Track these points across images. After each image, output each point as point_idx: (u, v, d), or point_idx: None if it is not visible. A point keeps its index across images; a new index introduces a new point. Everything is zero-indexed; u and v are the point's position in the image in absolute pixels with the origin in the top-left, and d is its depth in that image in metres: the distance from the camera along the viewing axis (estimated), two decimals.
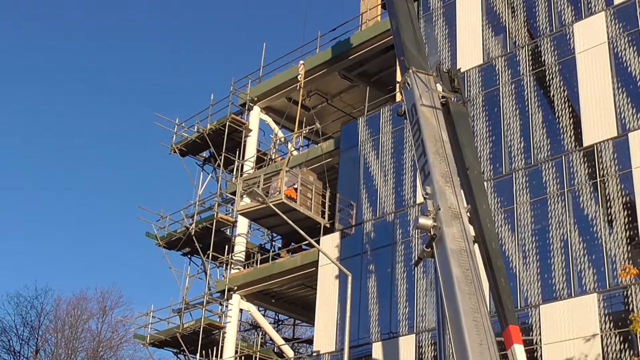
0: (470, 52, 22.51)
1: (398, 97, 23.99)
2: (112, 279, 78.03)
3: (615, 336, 16.96)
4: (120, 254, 71.36)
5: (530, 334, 18.05)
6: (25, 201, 68.42)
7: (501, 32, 22.11)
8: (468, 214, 12.72)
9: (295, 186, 24.24)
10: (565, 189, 18.93)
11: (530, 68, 20.79)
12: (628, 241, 17.54)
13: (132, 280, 68.23)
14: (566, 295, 17.98)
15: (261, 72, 30.20)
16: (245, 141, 29.28)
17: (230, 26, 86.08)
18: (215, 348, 26.26)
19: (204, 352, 26.36)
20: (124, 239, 72.29)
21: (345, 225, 23.56)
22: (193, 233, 27.95)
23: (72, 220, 73.34)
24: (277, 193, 23.93)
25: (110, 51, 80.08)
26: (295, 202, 23.90)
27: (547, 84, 20.33)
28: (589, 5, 20.31)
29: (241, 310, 27.12)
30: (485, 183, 18.07)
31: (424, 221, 12.42)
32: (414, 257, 21.03)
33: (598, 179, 18.47)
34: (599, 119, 19.00)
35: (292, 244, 26.79)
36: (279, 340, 27.50)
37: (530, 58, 20.91)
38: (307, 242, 23.28)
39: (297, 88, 26.93)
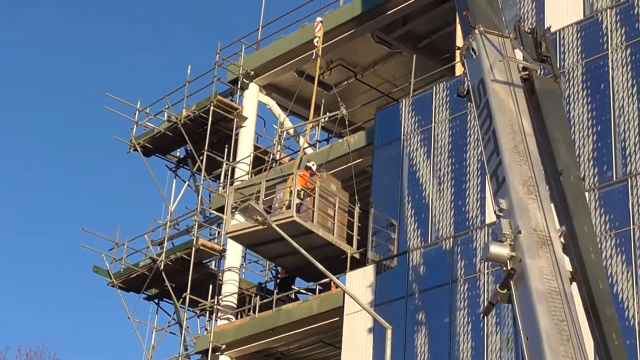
0: (564, 3, 22.47)
1: (458, 70, 23.97)
2: (42, 334, 78.74)
3: None
4: (55, 298, 71.86)
5: None
6: None
7: None
8: (562, 239, 12.71)
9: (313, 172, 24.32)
10: None
11: None
12: None
13: (71, 337, 68.56)
14: None
15: (260, 34, 30.41)
16: (237, 134, 29.41)
17: None
18: None
19: None
20: (60, 276, 72.88)
21: (382, 256, 23.56)
22: (162, 267, 28.07)
23: None
24: (285, 208, 23.97)
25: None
26: (312, 215, 23.91)
27: None
28: None
29: None
30: (587, 194, 17.95)
31: (498, 250, 12.46)
32: (483, 302, 20.99)
33: None
34: None
35: (309, 282, 26.84)
36: None
37: None
38: (327, 279, 23.21)
39: (313, 57, 27.03)
